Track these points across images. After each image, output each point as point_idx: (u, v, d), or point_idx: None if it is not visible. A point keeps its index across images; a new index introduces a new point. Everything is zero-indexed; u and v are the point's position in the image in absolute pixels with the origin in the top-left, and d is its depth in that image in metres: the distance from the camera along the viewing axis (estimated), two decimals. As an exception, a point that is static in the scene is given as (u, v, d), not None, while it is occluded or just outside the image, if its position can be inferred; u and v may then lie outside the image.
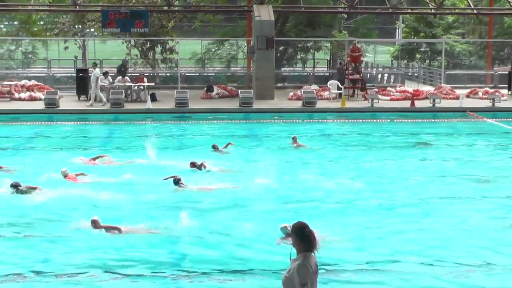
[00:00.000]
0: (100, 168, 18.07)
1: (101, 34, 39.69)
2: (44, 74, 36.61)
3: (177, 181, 16.06)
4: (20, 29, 41.78)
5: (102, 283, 10.96)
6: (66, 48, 40.38)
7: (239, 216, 14.24)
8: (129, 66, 34.70)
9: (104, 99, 29.28)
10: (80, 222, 13.25)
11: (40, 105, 28.83)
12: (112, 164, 18.75)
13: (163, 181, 16.38)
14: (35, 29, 41.64)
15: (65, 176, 16.75)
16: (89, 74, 30.09)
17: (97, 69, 30.66)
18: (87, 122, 26.97)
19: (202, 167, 17.84)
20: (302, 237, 7.29)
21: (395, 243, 12.62)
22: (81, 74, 31.20)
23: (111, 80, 31.09)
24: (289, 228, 12.12)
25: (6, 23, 42.66)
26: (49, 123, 26.85)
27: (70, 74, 36.59)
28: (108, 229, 12.92)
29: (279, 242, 12.30)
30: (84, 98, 30.71)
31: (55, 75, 36.79)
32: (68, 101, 30.10)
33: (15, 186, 15.37)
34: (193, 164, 17.87)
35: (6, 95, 30.66)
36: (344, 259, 11.79)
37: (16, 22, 42.49)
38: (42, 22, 42.98)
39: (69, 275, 11.18)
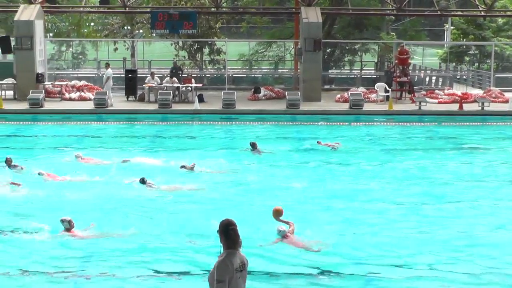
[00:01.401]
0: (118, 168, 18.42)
1: (149, 35, 40.10)
2: (93, 75, 37.12)
3: (143, 181, 16.43)
4: (71, 30, 42.40)
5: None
6: (115, 49, 40.85)
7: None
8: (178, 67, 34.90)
9: (111, 101, 29.61)
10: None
11: (89, 105, 29.27)
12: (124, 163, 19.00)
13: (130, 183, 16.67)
14: (85, 30, 42.22)
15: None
16: (101, 75, 30.55)
17: (109, 69, 31.04)
18: (135, 122, 27.26)
19: (194, 169, 18.10)
20: (226, 234, 7.36)
21: (440, 248, 12.57)
22: (130, 75, 31.64)
23: (159, 81, 31.41)
24: (282, 229, 12.55)
25: (58, 24, 43.22)
26: (98, 123, 27.27)
27: (118, 75, 36.99)
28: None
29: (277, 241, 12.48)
30: (132, 98, 31.08)
31: (102, 76, 37.21)
32: (116, 101, 30.44)
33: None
34: (184, 166, 18.16)
35: (57, 95, 31.21)
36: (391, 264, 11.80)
37: (67, 24, 43.12)
38: (92, 24, 43.55)
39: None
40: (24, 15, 30.84)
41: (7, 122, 26.98)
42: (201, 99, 29.98)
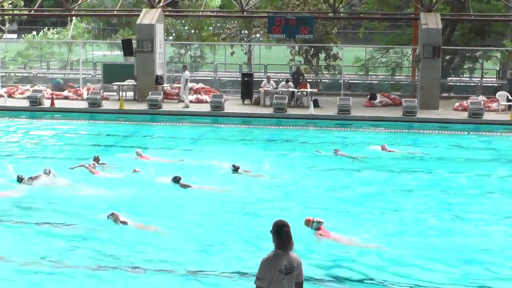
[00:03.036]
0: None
1: (266, 39, 40.33)
2: (210, 78, 37.66)
3: (177, 180, 16.72)
4: (190, 34, 43.17)
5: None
6: (232, 53, 41.31)
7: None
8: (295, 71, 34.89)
9: (187, 103, 30.04)
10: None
11: (206, 108, 29.69)
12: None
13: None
14: (204, 34, 42.88)
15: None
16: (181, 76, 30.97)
17: (187, 72, 31.22)
18: (250, 126, 27.43)
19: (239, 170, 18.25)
20: (278, 235, 7.45)
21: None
22: (246, 79, 31.91)
23: (274, 85, 31.54)
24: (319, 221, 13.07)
25: (178, 28, 44.08)
26: (213, 125, 27.63)
27: (235, 78, 37.44)
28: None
29: (319, 239, 12.74)
30: (248, 102, 31.33)
31: (221, 79, 37.76)
32: (232, 104, 30.78)
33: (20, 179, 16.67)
34: (234, 167, 18.36)
35: (175, 97, 31.85)
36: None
37: (186, 27, 43.92)
38: (211, 28, 44.19)
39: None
40: (145, 19, 31.65)
41: (127, 122, 27.76)
42: (316, 104, 29.88)
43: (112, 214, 13.92)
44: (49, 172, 17.17)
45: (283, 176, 18.26)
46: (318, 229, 12.96)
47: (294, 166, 19.74)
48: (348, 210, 15.31)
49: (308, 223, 13.09)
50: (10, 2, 43.56)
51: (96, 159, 18.99)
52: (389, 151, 21.58)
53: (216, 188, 16.74)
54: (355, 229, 13.53)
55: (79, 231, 13.67)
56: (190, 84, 32.48)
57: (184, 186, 16.74)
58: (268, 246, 7.85)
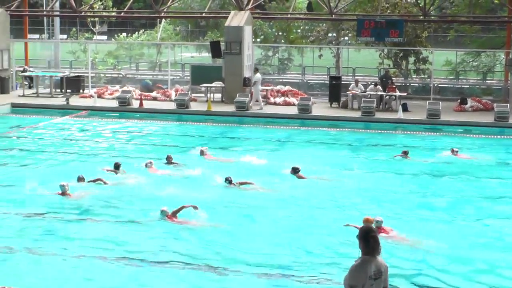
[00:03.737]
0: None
1: (355, 42, 39.98)
2: (298, 80, 37.56)
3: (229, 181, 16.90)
4: (278, 36, 43.21)
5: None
6: (320, 56, 41.10)
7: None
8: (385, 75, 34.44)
9: (262, 105, 30.08)
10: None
11: (293, 110, 29.61)
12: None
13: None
14: (292, 36, 42.82)
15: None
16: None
17: (258, 74, 30.99)
18: (338, 129, 27.17)
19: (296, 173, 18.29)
20: (366, 241, 7.38)
21: None
22: (334, 82, 31.68)
23: (362, 89, 31.22)
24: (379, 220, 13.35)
25: (266, 30, 44.20)
26: (301, 128, 27.52)
27: (322, 81, 37.24)
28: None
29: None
30: (335, 105, 31.10)
31: (308, 81, 37.61)
32: (320, 107, 30.60)
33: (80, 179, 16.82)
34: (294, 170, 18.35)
35: (262, 99, 31.87)
36: None
37: (274, 30, 43.98)
38: (298, 30, 44.10)
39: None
40: (234, 21, 31.79)
41: (215, 124, 27.94)
42: (405, 108, 29.41)
43: (162, 211, 14.33)
44: (118, 167, 18.12)
45: (363, 179, 18.27)
46: (378, 227, 13.08)
47: (377, 170, 19.59)
48: (427, 217, 15.15)
49: (367, 221, 13.22)
50: (100, 3, 44.49)
51: (169, 158, 19.45)
52: (460, 156, 21.26)
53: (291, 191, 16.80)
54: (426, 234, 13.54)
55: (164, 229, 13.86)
56: (277, 87, 32.54)
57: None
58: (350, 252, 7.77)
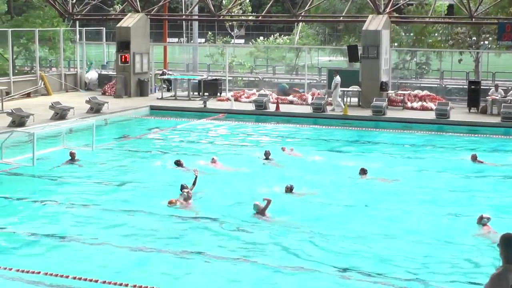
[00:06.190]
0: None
1: (495, 46, 38.92)
2: (436, 85, 36.97)
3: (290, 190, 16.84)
4: (415, 40, 42.64)
5: None
6: (460, 60, 40.23)
7: None
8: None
9: (342, 105, 30.12)
10: None
11: (431, 115, 29.20)
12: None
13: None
14: (430, 40, 42.16)
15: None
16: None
17: (338, 77, 30.78)
18: (476, 135, 26.58)
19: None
20: (507, 248, 7.14)
21: None
22: (473, 86, 31.00)
23: (502, 94, 30.41)
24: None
25: (403, 34, 43.76)
26: (438, 133, 27.12)
27: (461, 86, 36.48)
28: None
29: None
30: (474, 110, 30.43)
31: (446, 86, 36.93)
32: (458, 112, 30.03)
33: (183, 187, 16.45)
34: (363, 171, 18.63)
35: (399, 103, 31.62)
36: None
37: (412, 34, 43.45)
38: (436, 34, 43.34)
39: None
40: (372, 25, 31.71)
41: (351, 128, 27.94)
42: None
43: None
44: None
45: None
46: (484, 225, 13.93)
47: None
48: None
49: (480, 220, 14.07)
50: (239, 7, 45.36)
51: (267, 154, 20.47)
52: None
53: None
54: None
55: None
56: (415, 91, 32.21)
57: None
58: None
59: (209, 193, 16.85)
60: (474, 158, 20.85)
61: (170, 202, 15.56)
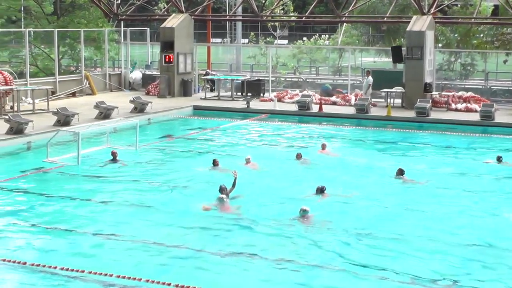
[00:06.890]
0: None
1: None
2: (481, 86, 36.54)
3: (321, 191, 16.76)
4: (460, 41, 42.20)
5: None
6: (505, 61, 39.71)
7: None
8: None
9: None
10: None
11: (475, 117, 28.88)
12: None
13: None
14: (475, 41, 41.70)
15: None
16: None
17: (370, 77, 31.15)
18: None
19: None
20: None
21: None
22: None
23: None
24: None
25: (448, 34, 43.31)
26: (483, 135, 26.79)
27: (507, 87, 36.01)
28: None
29: None
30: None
31: (491, 87, 36.47)
32: (503, 114, 29.64)
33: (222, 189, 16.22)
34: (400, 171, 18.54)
35: (444, 105, 31.32)
36: None
37: (456, 34, 43.01)
38: (481, 35, 42.85)
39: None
40: (416, 25, 31.46)
41: (394, 129, 27.78)
42: None
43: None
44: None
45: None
46: None
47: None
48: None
49: None
50: (281, 8, 45.34)
51: (299, 156, 20.60)
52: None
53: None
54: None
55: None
56: (459, 93, 31.88)
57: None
58: None
59: (248, 194, 16.87)
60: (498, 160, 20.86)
61: (204, 209, 15.55)
